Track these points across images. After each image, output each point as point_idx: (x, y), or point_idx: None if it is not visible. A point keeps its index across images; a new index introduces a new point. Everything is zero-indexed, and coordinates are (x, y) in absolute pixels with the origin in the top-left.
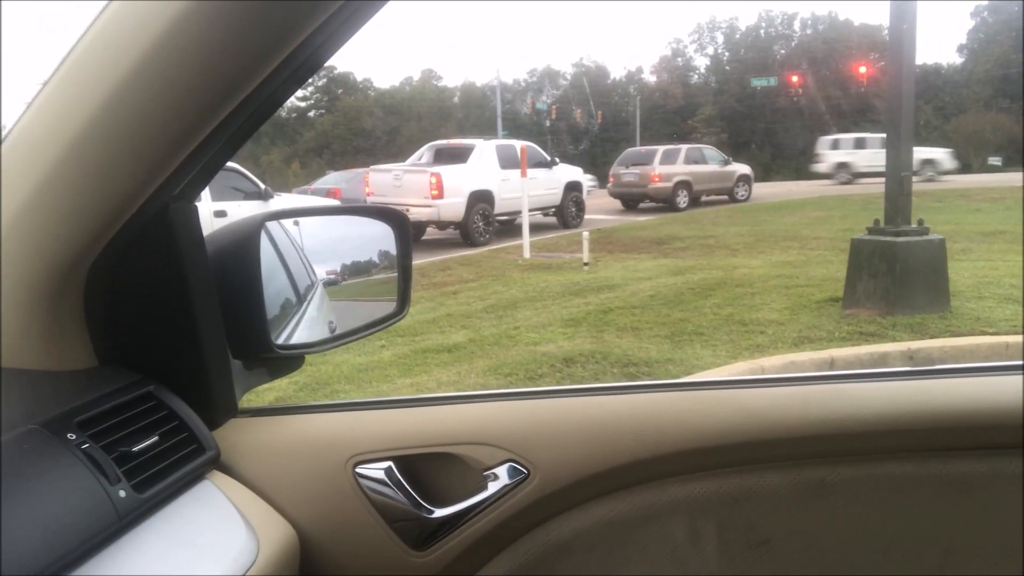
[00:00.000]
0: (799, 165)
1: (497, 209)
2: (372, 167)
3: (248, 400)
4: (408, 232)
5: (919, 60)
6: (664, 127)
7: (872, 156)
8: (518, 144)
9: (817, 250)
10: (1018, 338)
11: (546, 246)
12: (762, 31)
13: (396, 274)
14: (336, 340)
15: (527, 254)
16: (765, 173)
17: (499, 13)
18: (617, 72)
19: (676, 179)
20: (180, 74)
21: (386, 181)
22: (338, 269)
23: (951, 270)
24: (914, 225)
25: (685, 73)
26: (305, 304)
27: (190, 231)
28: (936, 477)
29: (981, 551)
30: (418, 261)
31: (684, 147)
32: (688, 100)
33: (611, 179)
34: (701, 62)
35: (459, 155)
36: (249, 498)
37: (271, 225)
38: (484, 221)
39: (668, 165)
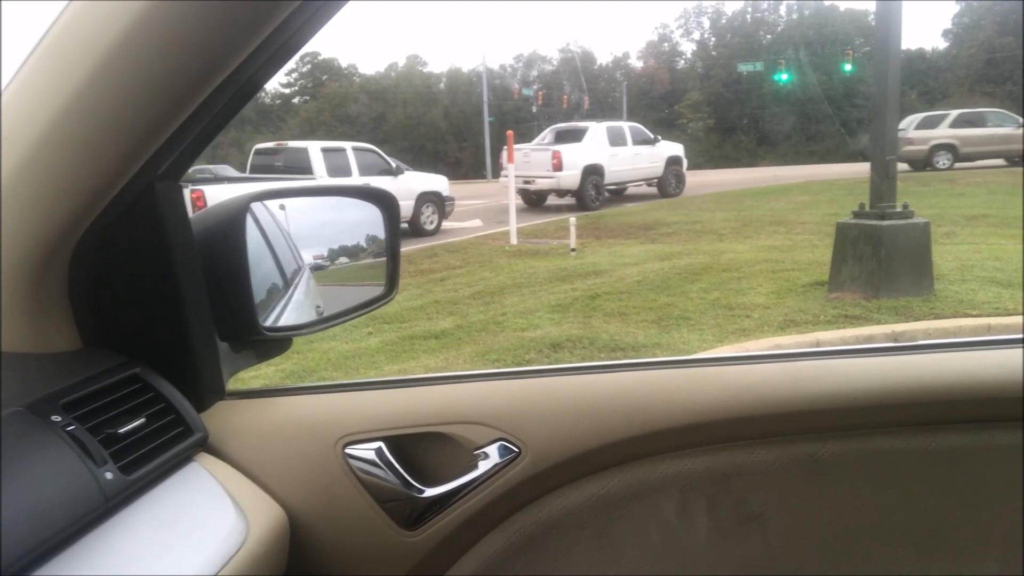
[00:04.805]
0: (785, 151)
1: (606, 180)
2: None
3: (234, 387)
4: (397, 213)
5: (904, 45)
6: (651, 112)
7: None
8: (627, 126)
9: (803, 234)
10: (1000, 320)
11: (533, 232)
12: (748, 16)
13: (383, 259)
14: (324, 322)
15: (514, 240)
16: (751, 158)
17: None
18: (604, 58)
19: (933, 143)
20: (161, 52)
21: (517, 158)
22: (325, 254)
23: (935, 253)
24: (899, 209)
25: (672, 58)
26: (292, 288)
27: (175, 210)
28: (926, 451)
29: (972, 524)
30: (404, 248)
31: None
32: (675, 85)
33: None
34: (688, 47)
35: (575, 135)
36: (238, 480)
37: (257, 208)
38: (595, 190)
39: (927, 129)
